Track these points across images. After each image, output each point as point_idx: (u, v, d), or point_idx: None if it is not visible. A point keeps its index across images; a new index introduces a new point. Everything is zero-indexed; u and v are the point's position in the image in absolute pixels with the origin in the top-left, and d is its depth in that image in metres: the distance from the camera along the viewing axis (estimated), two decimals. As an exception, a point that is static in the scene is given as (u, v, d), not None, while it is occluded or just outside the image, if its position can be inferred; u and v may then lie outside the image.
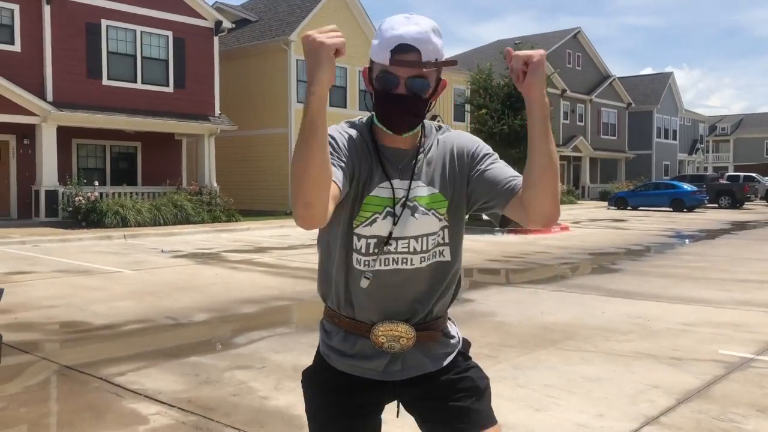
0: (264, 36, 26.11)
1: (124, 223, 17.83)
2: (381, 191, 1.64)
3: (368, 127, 1.70)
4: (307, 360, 1.90)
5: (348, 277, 1.68)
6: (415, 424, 1.81)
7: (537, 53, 1.49)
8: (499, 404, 1.96)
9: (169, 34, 20.92)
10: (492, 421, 1.74)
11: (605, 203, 35.42)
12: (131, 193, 19.74)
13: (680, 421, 3.94)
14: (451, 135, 1.76)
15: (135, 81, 20.29)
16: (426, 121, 1.71)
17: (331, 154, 1.53)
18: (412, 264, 1.66)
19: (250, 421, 3.96)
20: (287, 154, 25.21)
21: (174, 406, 4.18)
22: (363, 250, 1.65)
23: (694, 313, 7.22)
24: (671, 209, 30.83)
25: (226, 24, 22.70)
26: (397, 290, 1.68)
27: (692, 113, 60.06)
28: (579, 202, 38.64)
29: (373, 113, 1.66)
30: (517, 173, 1.65)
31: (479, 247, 14.08)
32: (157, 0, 20.62)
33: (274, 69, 25.45)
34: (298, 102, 25.24)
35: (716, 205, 33.69)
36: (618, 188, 38.73)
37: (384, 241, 1.64)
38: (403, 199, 1.65)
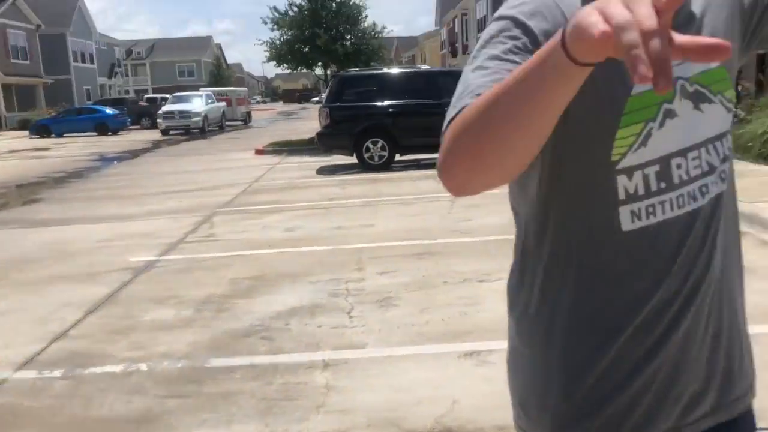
0: None
1: None
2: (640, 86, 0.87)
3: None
4: None
5: (610, 267, 0.94)
6: None
7: None
8: None
9: None
10: None
11: (27, 133, 33.14)
12: None
13: (88, 330, 4.23)
14: None
15: None
16: None
17: (516, 54, 0.83)
18: (709, 192, 0.95)
19: None
20: None
21: None
22: (643, 192, 0.92)
23: (110, 229, 7.60)
24: (96, 134, 30.86)
25: None
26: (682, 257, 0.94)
27: (107, 37, 60.16)
28: (-4, 134, 35.19)
29: None
30: None
31: None
32: None
33: None
34: None
35: (139, 126, 35.14)
36: (39, 116, 36.63)
37: (670, 160, 0.92)
38: (678, 82, 0.90)
